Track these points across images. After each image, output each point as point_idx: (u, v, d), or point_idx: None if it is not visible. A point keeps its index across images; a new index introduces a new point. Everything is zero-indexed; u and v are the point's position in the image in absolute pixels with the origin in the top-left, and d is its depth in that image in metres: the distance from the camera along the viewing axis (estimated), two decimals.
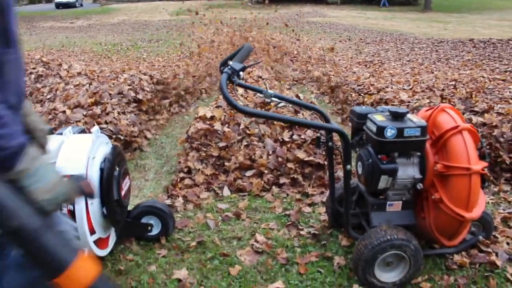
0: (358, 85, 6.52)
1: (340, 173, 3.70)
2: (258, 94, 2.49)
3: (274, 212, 3.40)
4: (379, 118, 2.44)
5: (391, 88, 6.00)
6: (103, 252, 2.68)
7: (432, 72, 8.13)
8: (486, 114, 4.29)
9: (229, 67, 2.14)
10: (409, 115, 2.45)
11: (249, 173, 3.83)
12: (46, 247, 1.29)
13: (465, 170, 2.29)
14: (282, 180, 3.78)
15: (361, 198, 2.80)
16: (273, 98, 2.46)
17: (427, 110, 2.59)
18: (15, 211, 1.24)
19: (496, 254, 2.68)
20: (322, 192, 3.65)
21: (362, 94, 6.03)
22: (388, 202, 2.55)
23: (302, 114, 4.32)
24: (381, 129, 2.35)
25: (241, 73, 2.17)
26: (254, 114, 2.26)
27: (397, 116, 2.41)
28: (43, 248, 1.29)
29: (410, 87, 6.09)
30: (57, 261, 1.30)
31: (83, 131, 2.99)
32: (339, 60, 10.47)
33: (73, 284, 1.33)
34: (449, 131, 2.36)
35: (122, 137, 4.51)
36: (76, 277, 1.32)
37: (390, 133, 2.34)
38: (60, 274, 1.30)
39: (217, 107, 4.57)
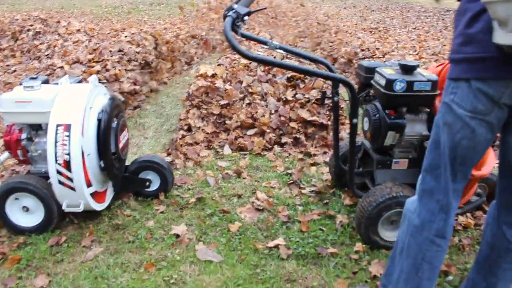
0: (362, 50, 6.37)
1: (344, 134, 3.62)
2: (263, 45, 2.38)
3: (276, 171, 3.32)
4: (388, 71, 2.34)
5: (397, 52, 5.86)
6: (100, 206, 2.62)
7: (439, 40, 7.95)
8: None
9: (234, 10, 2.02)
10: (419, 69, 2.35)
11: (250, 132, 3.74)
12: None
13: None
14: (284, 139, 3.70)
15: (365, 157, 2.72)
16: (278, 50, 2.36)
17: (437, 66, 2.48)
18: None
19: None
20: (325, 152, 3.57)
21: (367, 58, 5.89)
22: (394, 160, 2.48)
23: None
24: (390, 82, 2.25)
25: (246, 17, 2.06)
26: (259, 60, 2.16)
27: (407, 70, 2.31)
28: None
29: (416, 52, 5.95)
30: None
31: (80, 82, 2.89)
32: (343, 26, 10.25)
33: None
34: None
35: (122, 95, 4.40)
36: None
37: (399, 86, 2.25)
38: None
39: (219, 65, 4.45)
